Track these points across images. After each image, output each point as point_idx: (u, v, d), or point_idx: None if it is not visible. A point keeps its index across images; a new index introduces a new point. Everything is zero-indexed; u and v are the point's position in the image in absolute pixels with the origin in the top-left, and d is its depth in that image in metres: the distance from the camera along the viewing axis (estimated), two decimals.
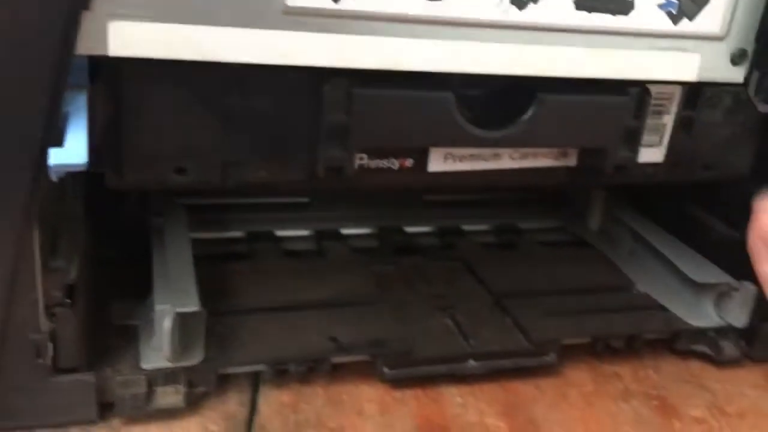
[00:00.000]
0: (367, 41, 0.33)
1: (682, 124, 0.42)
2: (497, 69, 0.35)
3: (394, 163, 0.39)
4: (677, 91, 0.41)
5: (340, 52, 0.33)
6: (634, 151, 0.41)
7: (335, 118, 0.35)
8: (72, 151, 0.30)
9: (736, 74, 0.38)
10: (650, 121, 0.41)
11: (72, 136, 0.30)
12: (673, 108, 0.41)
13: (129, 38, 0.30)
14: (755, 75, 0.38)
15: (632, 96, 0.39)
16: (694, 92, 0.41)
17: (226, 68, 0.33)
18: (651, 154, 0.42)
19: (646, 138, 0.41)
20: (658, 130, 0.42)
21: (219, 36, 0.31)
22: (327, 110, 0.35)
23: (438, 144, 0.39)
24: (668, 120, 0.42)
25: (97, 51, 0.30)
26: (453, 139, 0.38)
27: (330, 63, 0.33)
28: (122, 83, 0.33)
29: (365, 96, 0.35)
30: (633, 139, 0.41)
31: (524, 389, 0.43)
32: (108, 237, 0.47)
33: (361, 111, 0.36)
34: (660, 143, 0.42)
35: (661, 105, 0.41)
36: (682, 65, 0.37)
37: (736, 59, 0.38)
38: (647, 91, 0.39)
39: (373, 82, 0.35)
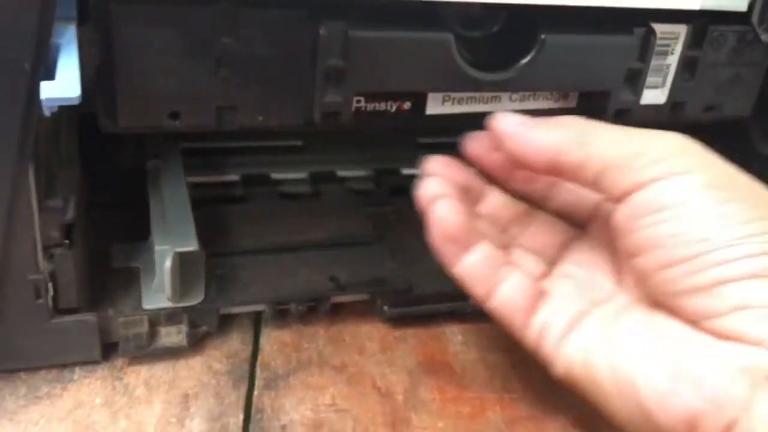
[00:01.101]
0: None
1: (686, 65, 0.41)
2: None
3: (392, 106, 0.39)
4: (683, 31, 0.40)
5: None
6: (637, 94, 0.41)
7: (332, 62, 0.35)
8: (64, 84, 0.29)
9: (740, 2, 0.37)
10: (654, 63, 0.40)
11: (63, 68, 0.29)
12: (678, 48, 0.40)
13: None
14: (759, 2, 0.37)
15: (637, 36, 0.39)
16: (700, 32, 0.40)
17: (219, 7, 0.32)
18: (653, 95, 0.42)
19: (649, 80, 0.41)
20: (662, 71, 0.41)
21: None
22: (323, 54, 0.34)
23: (438, 88, 0.38)
24: (672, 61, 0.41)
25: None
26: (453, 83, 0.38)
27: None
28: (112, 24, 0.32)
29: (362, 38, 0.34)
30: (636, 82, 0.40)
31: None
32: (104, 179, 0.47)
33: (357, 55, 0.35)
34: (663, 85, 0.42)
35: (666, 45, 0.40)
36: None
37: None
38: (652, 31, 0.39)
39: (370, 24, 0.34)
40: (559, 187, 0.36)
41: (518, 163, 0.33)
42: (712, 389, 0.26)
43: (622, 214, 0.29)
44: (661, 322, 0.29)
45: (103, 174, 0.47)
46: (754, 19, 0.38)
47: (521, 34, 0.38)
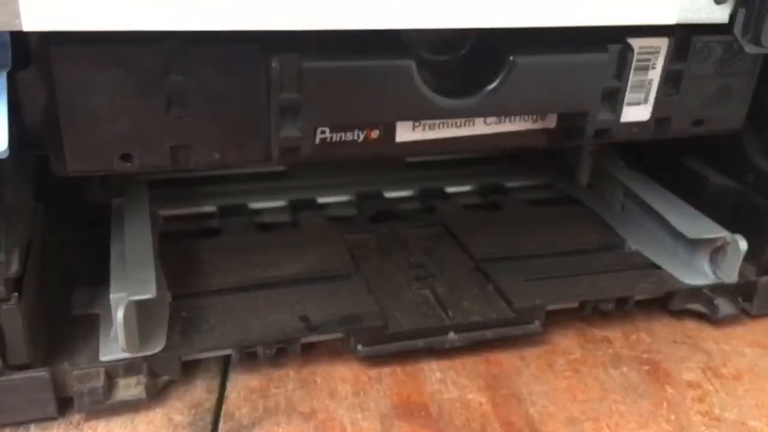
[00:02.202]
0: None
1: (670, 79, 0.39)
2: (466, 22, 0.32)
3: (359, 135, 0.37)
4: (664, 45, 0.38)
5: (284, 11, 0.30)
6: (616, 113, 0.39)
7: (286, 95, 0.33)
8: None
9: (721, 14, 0.35)
10: (634, 78, 0.38)
11: None
12: (660, 62, 0.38)
13: (43, 9, 0.28)
14: (741, 13, 0.35)
15: (612, 53, 0.36)
16: (683, 44, 0.38)
17: (164, 43, 0.31)
18: (636, 112, 0.40)
19: (629, 96, 0.39)
20: (643, 86, 0.39)
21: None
22: (276, 87, 0.33)
23: (401, 117, 0.36)
24: (654, 75, 0.39)
25: (10, 26, 0.28)
26: (417, 112, 0.36)
27: (274, 26, 0.30)
28: (53, 66, 0.30)
29: (317, 69, 0.33)
30: (614, 100, 0.38)
31: (508, 360, 0.41)
32: (74, 216, 0.46)
33: (313, 86, 0.33)
34: (646, 101, 0.39)
35: (646, 60, 0.38)
36: (660, 7, 0.34)
37: None
38: (629, 47, 0.36)
39: (324, 54, 0.33)
40: None
41: None
42: None
43: None
44: None
45: (73, 211, 0.46)
46: (737, 30, 0.35)
47: (490, 57, 0.36)
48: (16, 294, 0.33)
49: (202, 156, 0.35)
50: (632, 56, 0.37)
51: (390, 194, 0.55)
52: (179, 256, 0.44)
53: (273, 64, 0.33)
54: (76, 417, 0.35)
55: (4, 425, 0.34)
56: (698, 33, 0.38)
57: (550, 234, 0.50)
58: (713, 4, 0.34)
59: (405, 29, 0.33)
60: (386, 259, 0.47)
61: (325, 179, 0.56)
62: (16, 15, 0.27)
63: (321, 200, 0.54)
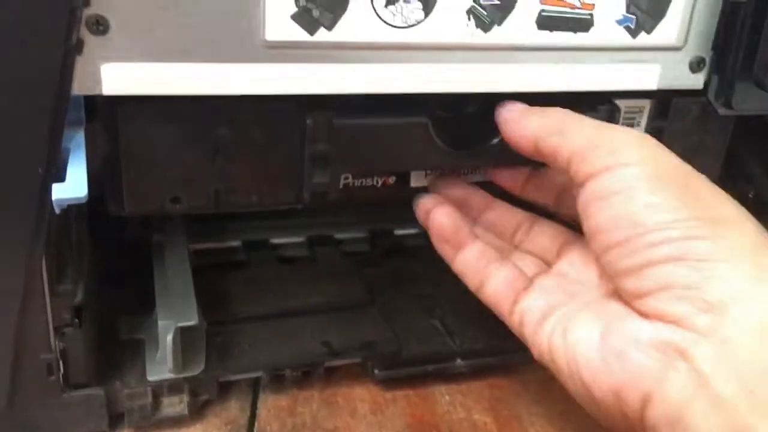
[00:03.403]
0: (343, 69, 0.35)
1: (652, 135, 0.43)
2: (469, 88, 0.37)
3: (378, 181, 0.42)
4: (647, 105, 0.43)
5: (319, 80, 0.35)
6: None
7: (318, 148, 0.37)
8: (73, 186, 0.32)
9: (696, 81, 0.40)
10: None
11: (72, 170, 0.32)
12: (644, 120, 0.43)
13: (120, 78, 0.32)
14: (714, 80, 0.40)
15: (602, 112, 0.41)
16: (664, 104, 0.43)
17: (214, 103, 0.35)
18: None
19: None
20: None
21: (204, 72, 0.33)
22: (310, 140, 0.37)
23: (418, 168, 0.42)
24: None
25: (92, 91, 0.32)
26: (432, 163, 0.41)
27: (310, 90, 0.35)
28: (117, 122, 0.35)
29: (345, 126, 0.37)
30: None
31: (509, 385, 0.45)
32: (115, 254, 0.50)
33: (341, 140, 0.38)
34: None
35: (631, 118, 0.43)
36: (643, 75, 0.39)
37: (694, 67, 0.40)
38: (616, 108, 0.41)
39: (352, 113, 0.37)
40: (566, 194, 0.40)
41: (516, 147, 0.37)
42: (632, 364, 0.29)
43: (580, 200, 0.32)
44: (609, 306, 0.32)
45: (114, 247, 0.51)
46: (711, 95, 0.40)
47: (492, 114, 0.40)
48: (77, 320, 0.37)
49: (241, 199, 0.39)
50: (620, 115, 0.42)
51: (400, 231, 0.60)
52: (210, 287, 0.49)
53: (307, 121, 0.37)
54: (125, 431, 0.39)
55: None
56: (679, 95, 0.43)
57: None
58: (690, 73, 0.40)
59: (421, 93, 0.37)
60: (398, 291, 0.51)
61: (339, 217, 0.60)
62: (98, 82, 0.32)
63: (337, 236, 0.58)
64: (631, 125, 0.43)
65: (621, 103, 0.42)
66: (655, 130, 0.44)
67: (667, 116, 0.44)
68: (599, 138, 0.32)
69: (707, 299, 0.28)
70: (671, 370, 0.28)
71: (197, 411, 0.41)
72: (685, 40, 0.39)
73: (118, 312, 0.45)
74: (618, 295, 0.32)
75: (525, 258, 0.40)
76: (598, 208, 0.31)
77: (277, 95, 0.35)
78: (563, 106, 0.40)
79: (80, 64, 0.32)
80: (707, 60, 0.40)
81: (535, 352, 0.36)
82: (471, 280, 0.39)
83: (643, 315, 0.30)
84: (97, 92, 0.33)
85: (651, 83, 0.40)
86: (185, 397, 0.40)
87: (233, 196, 0.39)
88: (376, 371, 0.44)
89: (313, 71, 0.35)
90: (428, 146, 0.40)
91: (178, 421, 0.40)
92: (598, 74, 0.38)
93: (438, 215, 0.40)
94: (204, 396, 0.41)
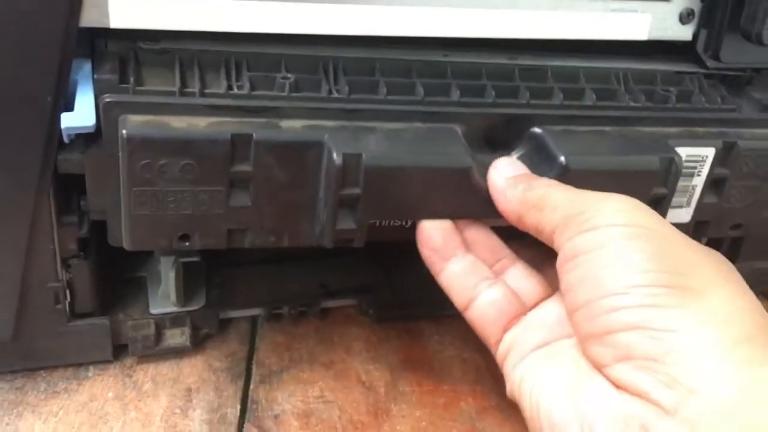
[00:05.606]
0: (347, 9, 0.36)
1: (713, 185, 0.40)
2: (468, 33, 0.38)
3: (407, 222, 0.36)
4: (711, 153, 0.39)
5: (320, 19, 0.36)
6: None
7: (345, 192, 0.33)
8: (81, 114, 0.33)
9: (685, 32, 0.41)
10: (679, 184, 0.38)
11: (80, 101, 0.33)
12: (705, 169, 0.40)
13: (126, 11, 0.33)
14: (702, 33, 0.41)
15: (662, 162, 0.36)
16: (727, 152, 0.40)
17: (234, 137, 0.32)
18: (677, 215, 0.40)
19: (673, 200, 0.38)
20: (687, 191, 0.40)
21: (205, 6, 0.34)
22: (337, 183, 0.32)
23: (457, 216, 0.35)
24: (698, 182, 0.40)
25: (99, 24, 0.33)
26: (473, 211, 0.35)
27: (310, 30, 0.36)
28: (126, 150, 0.31)
29: (378, 168, 0.32)
30: (660, 206, 0.36)
31: None
32: None
33: (372, 184, 0.33)
34: (688, 204, 0.41)
35: (693, 168, 0.39)
36: (633, 25, 0.40)
37: (683, 18, 0.41)
38: (678, 156, 0.36)
39: (385, 152, 0.33)
40: None
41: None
42: None
43: (557, 262, 0.30)
44: (583, 365, 0.29)
45: None
46: (699, 48, 0.42)
47: (545, 157, 0.36)
48: (82, 252, 0.38)
49: (257, 238, 0.35)
50: (678, 170, 0.36)
51: None
52: None
53: (336, 161, 0.32)
54: (128, 361, 0.41)
55: (68, 365, 0.40)
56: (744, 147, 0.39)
57: None
58: (679, 25, 0.41)
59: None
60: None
61: None
62: (106, 15, 0.33)
63: None
64: (691, 176, 0.40)
65: (683, 152, 0.38)
66: (715, 181, 0.40)
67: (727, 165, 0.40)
68: (579, 206, 0.30)
69: (670, 373, 0.26)
70: None
71: (198, 344, 0.42)
72: None
73: (118, 252, 0.46)
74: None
75: (521, 279, 0.35)
76: (568, 268, 0.29)
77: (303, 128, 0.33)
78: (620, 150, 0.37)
79: None
80: (696, 12, 0.41)
81: (507, 387, 0.33)
82: (458, 298, 0.34)
83: (612, 383, 0.28)
84: (104, 25, 0.33)
85: (642, 33, 0.41)
86: (187, 330, 0.41)
87: (248, 236, 0.35)
88: (370, 311, 0.45)
89: (316, 9, 0.36)
90: (471, 194, 0.34)
91: (179, 351, 0.41)
92: (592, 22, 0.40)
93: (428, 222, 0.35)
94: (204, 330, 0.42)
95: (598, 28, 0.40)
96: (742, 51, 0.42)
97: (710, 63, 0.42)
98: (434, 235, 0.34)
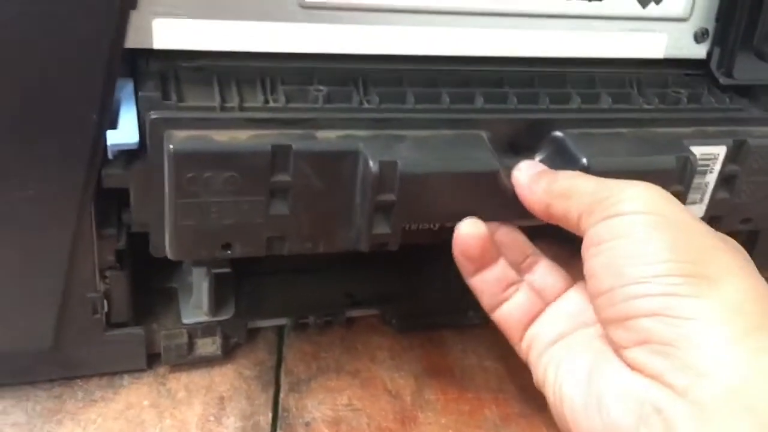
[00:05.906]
0: (378, 30, 0.37)
1: (724, 182, 0.42)
2: (491, 51, 0.40)
3: (436, 225, 0.37)
4: (722, 151, 0.41)
5: (354, 41, 0.37)
6: None
7: (381, 198, 0.34)
8: (125, 131, 0.34)
9: (700, 51, 0.43)
10: (693, 181, 0.40)
11: (124, 119, 0.35)
12: (717, 167, 0.41)
13: (169, 33, 0.35)
14: (716, 51, 0.43)
15: (678, 161, 0.37)
16: (737, 150, 0.41)
17: (274, 149, 0.33)
18: (691, 211, 0.38)
19: (688, 197, 0.40)
20: (700, 188, 0.42)
21: (246, 29, 0.36)
22: (373, 190, 0.34)
23: (486, 218, 0.36)
24: (711, 179, 0.42)
25: (143, 44, 0.35)
26: (501, 212, 0.37)
27: (343, 50, 0.38)
28: (169, 167, 0.32)
29: (412, 175, 0.34)
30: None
31: None
32: None
33: (407, 189, 0.34)
34: (701, 200, 0.43)
35: (705, 165, 0.41)
36: (650, 44, 0.42)
37: (698, 37, 0.42)
38: (692, 155, 0.38)
39: (418, 159, 0.34)
40: None
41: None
42: (610, 417, 0.29)
43: (582, 246, 0.32)
44: (602, 351, 0.32)
45: None
46: (713, 65, 0.43)
47: (567, 160, 0.37)
48: (119, 264, 0.40)
49: (294, 245, 0.36)
50: (694, 168, 0.38)
51: None
52: None
53: (372, 168, 0.33)
54: (161, 369, 0.42)
55: (103, 374, 0.41)
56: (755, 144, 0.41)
57: None
58: (694, 44, 0.43)
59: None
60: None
61: None
62: (150, 36, 0.35)
63: None
64: (704, 173, 0.42)
65: (697, 150, 0.39)
66: (727, 177, 0.42)
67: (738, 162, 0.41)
68: (604, 191, 0.32)
69: (683, 358, 0.27)
70: (645, 426, 0.28)
71: (228, 352, 0.43)
72: (691, 12, 0.42)
73: (150, 263, 0.47)
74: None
75: (546, 275, 0.37)
76: (592, 254, 0.31)
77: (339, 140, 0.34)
78: (637, 150, 0.38)
79: (134, 18, 0.34)
80: (711, 31, 0.42)
81: (534, 377, 0.36)
82: (485, 302, 0.37)
83: (628, 365, 0.30)
84: (147, 46, 0.35)
85: (658, 52, 0.42)
86: (218, 339, 0.43)
87: (286, 243, 0.36)
88: (394, 321, 0.47)
89: (348, 32, 0.37)
90: (498, 195, 0.36)
91: (211, 360, 0.42)
92: (610, 42, 0.41)
93: (467, 227, 0.36)
94: (234, 339, 0.44)
95: (616, 47, 0.42)
96: (755, 68, 0.43)
97: (723, 80, 0.44)
98: (472, 246, 0.36)
